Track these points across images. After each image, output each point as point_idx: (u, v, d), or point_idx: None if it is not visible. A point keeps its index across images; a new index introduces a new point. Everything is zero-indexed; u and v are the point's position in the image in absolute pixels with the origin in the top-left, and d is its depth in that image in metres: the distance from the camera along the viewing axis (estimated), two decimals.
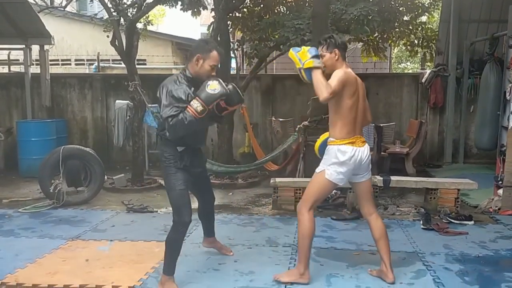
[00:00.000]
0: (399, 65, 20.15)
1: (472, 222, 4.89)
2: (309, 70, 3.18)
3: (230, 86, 3.29)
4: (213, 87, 3.11)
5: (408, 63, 19.76)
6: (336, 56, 3.30)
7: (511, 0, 7.30)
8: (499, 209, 5.36)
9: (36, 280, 3.43)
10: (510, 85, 5.34)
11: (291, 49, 3.35)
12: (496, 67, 6.99)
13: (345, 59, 3.39)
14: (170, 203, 3.39)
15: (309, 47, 3.30)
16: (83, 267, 3.72)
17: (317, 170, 3.39)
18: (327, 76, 3.27)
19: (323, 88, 3.10)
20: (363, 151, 3.33)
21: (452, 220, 4.90)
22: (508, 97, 5.38)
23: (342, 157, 3.25)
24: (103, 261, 3.84)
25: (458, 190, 5.30)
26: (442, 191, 5.31)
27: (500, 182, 5.46)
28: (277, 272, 3.56)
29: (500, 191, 5.45)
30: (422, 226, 4.74)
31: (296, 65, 3.25)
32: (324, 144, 3.44)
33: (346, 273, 3.58)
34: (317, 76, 3.15)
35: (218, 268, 3.69)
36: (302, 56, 3.22)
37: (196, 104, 3.07)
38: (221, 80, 3.18)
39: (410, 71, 17.34)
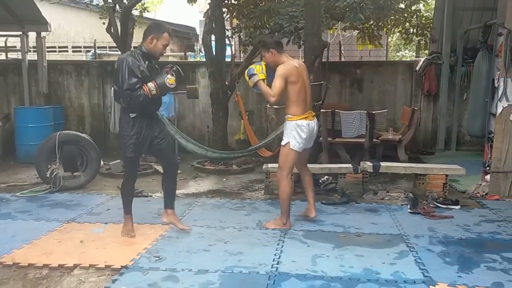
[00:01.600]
0: (398, 53, 20.14)
1: (459, 207, 5.02)
2: (254, 86, 4.12)
3: (175, 68, 3.92)
4: (171, 82, 3.83)
5: (407, 51, 19.76)
6: (273, 54, 4.09)
7: None
8: (486, 194, 5.48)
9: (32, 260, 3.55)
10: (498, 72, 5.42)
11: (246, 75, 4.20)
12: (489, 55, 7.05)
13: (283, 52, 4.15)
14: (123, 165, 4.32)
15: (248, 69, 4.16)
16: (77, 247, 3.85)
17: (282, 143, 4.21)
18: (274, 68, 4.10)
19: (267, 95, 4.02)
20: (313, 124, 4.23)
21: (439, 205, 5.02)
22: (496, 85, 5.46)
23: (300, 130, 4.10)
24: (97, 242, 3.96)
25: (446, 175, 5.41)
26: (431, 177, 5.43)
27: (488, 168, 5.57)
28: (265, 252, 3.70)
29: (488, 177, 5.56)
30: (409, 210, 4.87)
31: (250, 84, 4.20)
32: (251, 70, 4.13)
33: (332, 253, 3.70)
34: (261, 87, 4.07)
35: (208, 249, 3.81)
36: (247, 78, 4.17)
37: (152, 87, 3.78)
38: (178, 75, 3.87)
39: (408, 59, 17.36)
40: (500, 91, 5.36)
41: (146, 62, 3.84)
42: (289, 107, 4.14)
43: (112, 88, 4.09)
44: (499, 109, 5.37)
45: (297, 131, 4.09)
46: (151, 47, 3.83)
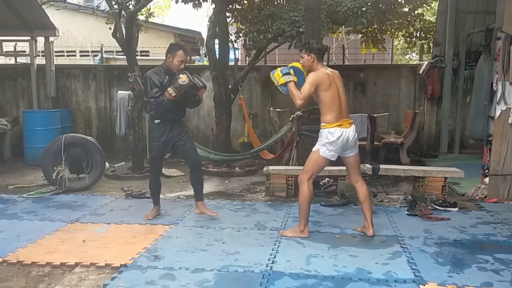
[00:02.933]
0: (405, 56, 20.13)
1: (457, 209, 5.05)
2: (283, 85, 4.12)
3: (195, 78, 4.57)
4: (183, 79, 4.38)
5: (414, 54, 19.74)
6: (312, 59, 4.11)
7: None
8: (485, 196, 5.51)
9: (35, 258, 3.68)
10: (496, 76, 5.45)
11: (270, 73, 4.26)
12: (490, 58, 7.06)
13: (321, 61, 4.18)
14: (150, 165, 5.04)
15: (281, 68, 4.20)
16: (79, 247, 3.97)
17: (314, 148, 4.17)
18: (307, 72, 4.18)
19: (295, 98, 4.03)
20: (350, 131, 4.11)
21: (437, 207, 5.07)
22: (494, 88, 5.49)
23: (332, 137, 4.04)
24: (98, 242, 4.08)
25: (445, 178, 5.45)
26: (430, 179, 5.47)
27: (487, 170, 5.60)
28: (261, 252, 3.79)
29: (487, 180, 5.59)
30: (406, 212, 4.92)
31: (274, 84, 4.23)
32: (285, 69, 4.16)
33: (326, 254, 3.77)
34: (290, 88, 4.08)
35: (206, 248, 3.91)
36: (276, 76, 4.15)
37: (170, 91, 4.39)
38: (189, 74, 4.43)
39: (414, 62, 17.35)
40: (498, 95, 5.39)
41: (167, 77, 4.49)
42: (323, 115, 4.09)
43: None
44: (498, 112, 5.40)
45: (328, 139, 4.03)
46: (169, 64, 4.49)
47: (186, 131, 4.81)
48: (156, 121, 4.57)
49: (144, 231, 4.37)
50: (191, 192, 6.01)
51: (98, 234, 4.31)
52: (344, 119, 4.10)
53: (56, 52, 9.98)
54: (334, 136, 4.02)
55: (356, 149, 4.21)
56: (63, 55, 11.66)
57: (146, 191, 5.83)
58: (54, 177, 5.89)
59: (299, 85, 4.16)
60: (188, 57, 4.82)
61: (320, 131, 4.14)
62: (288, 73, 4.11)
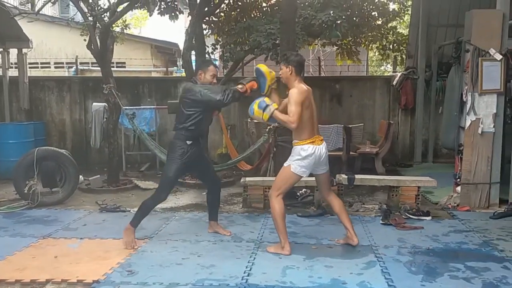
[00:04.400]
0: (380, 68, 20.53)
1: (430, 218, 5.15)
2: (270, 119, 4.05)
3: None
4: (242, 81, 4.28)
5: (389, 66, 20.13)
6: (290, 71, 4.05)
7: (477, 6, 7.65)
8: (457, 205, 5.63)
9: (4, 276, 3.57)
10: (466, 87, 5.61)
11: (249, 112, 4.15)
12: (461, 70, 7.25)
13: (300, 74, 4.09)
14: (160, 180, 4.54)
15: (258, 102, 4.04)
16: (51, 263, 3.88)
17: (285, 164, 4.13)
18: (284, 85, 4.15)
19: (287, 123, 3.93)
20: (322, 148, 4.10)
21: (411, 216, 5.15)
22: (464, 99, 5.64)
23: (304, 153, 4.00)
24: (71, 257, 3.99)
25: (418, 187, 5.55)
26: (403, 189, 5.55)
27: (459, 179, 5.72)
28: (237, 265, 3.78)
29: (459, 188, 5.71)
30: (381, 222, 4.98)
31: (260, 121, 4.32)
32: (262, 103, 4.05)
33: (302, 265, 3.79)
34: (277, 116, 3.97)
35: (181, 262, 3.87)
36: (257, 114, 4.05)
37: (240, 86, 4.19)
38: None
39: (389, 74, 17.68)
40: (468, 105, 5.54)
41: None
42: (296, 132, 4.04)
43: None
44: (468, 123, 5.54)
45: (300, 155, 3.99)
46: (202, 80, 4.37)
47: (204, 151, 4.70)
48: (189, 142, 4.26)
49: (118, 245, 4.29)
50: (167, 205, 5.97)
51: (71, 249, 4.22)
52: (316, 136, 4.09)
53: (29, 63, 9.83)
54: (307, 152, 3.99)
55: (327, 167, 4.22)
56: (37, 67, 11.48)
57: (121, 205, 5.79)
58: (26, 191, 5.76)
59: (261, 89, 4.14)
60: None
61: (293, 148, 4.10)
62: (266, 105, 3.98)
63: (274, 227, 4.16)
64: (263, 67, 4.16)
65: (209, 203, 4.79)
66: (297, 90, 3.96)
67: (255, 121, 8.16)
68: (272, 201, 4.08)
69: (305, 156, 3.98)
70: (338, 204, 4.26)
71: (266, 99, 4.05)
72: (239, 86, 4.19)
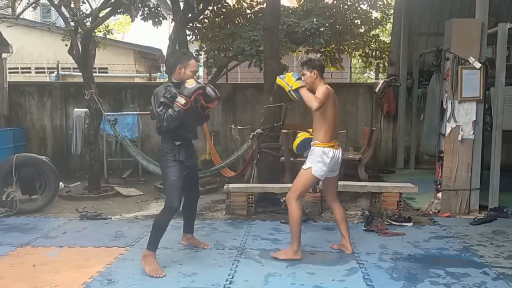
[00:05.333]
0: (364, 75, 20.76)
1: (411, 224, 5.19)
2: (297, 90, 3.94)
3: (207, 87, 4.00)
4: (191, 83, 3.80)
5: (372, 73, 20.37)
6: (315, 75, 4.03)
7: (457, 15, 7.80)
8: (438, 211, 5.69)
9: None
10: (446, 94, 5.70)
11: (278, 77, 4.15)
12: (441, 77, 7.37)
13: (323, 79, 4.09)
14: (164, 191, 4.05)
15: (292, 73, 4.07)
16: (29, 272, 3.79)
17: (304, 167, 4.06)
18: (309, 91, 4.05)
19: (313, 100, 3.84)
20: (339, 153, 4.13)
21: (393, 222, 5.19)
22: (444, 106, 5.73)
23: (325, 157, 3.99)
24: (50, 266, 3.91)
25: (400, 194, 5.59)
26: (385, 195, 5.59)
27: (439, 186, 5.79)
28: (219, 273, 3.75)
29: (440, 195, 5.78)
30: (363, 228, 5.00)
31: (286, 88, 4.03)
32: (303, 144, 4.21)
33: (285, 272, 3.77)
34: (305, 92, 3.92)
35: (162, 270, 3.81)
36: (288, 80, 3.99)
37: (179, 99, 3.75)
38: (196, 78, 3.90)
39: (372, 81, 17.89)
40: (448, 113, 5.62)
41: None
42: (319, 132, 4.01)
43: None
44: (448, 130, 5.62)
45: (322, 158, 3.97)
46: (181, 77, 3.87)
47: (197, 158, 4.37)
48: (177, 143, 3.89)
49: (98, 254, 4.23)
50: (149, 212, 5.92)
51: (50, 258, 4.14)
52: (335, 141, 4.10)
53: (9, 68, 9.67)
54: (329, 157, 3.97)
55: (338, 170, 4.24)
56: (18, 72, 11.30)
57: (102, 212, 5.70)
58: (4, 198, 5.65)
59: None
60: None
61: (312, 148, 4.04)
62: (300, 77, 3.99)
63: (290, 235, 4.13)
64: (278, 81, 4.10)
65: (186, 214, 4.41)
66: (326, 87, 3.98)
67: (239, 127, 8.20)
68: (291, 205, 4.03)
69: (327, 160, 3.97)
70: (340, 212, 4.28)
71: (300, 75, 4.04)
72: (182, 101, 3.73)
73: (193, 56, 4.04)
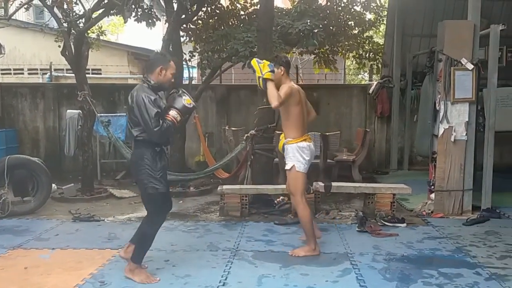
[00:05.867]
0: (358, 76, 20.82)
1: (405, 225, 5.20)
2: (265, 80, 3.98)
3: (180, 91, 3.78)
4: (189, 102, 3.68)
5: (366, 74, 20.42)
6: (282, 72, 4.17)
7: (450, 17, 7.84)
8: (431, 212, 5.71)
9: None
10: (439, 95, 5.72)
11: (254, 59, 4.17)
12: (434, 79, 7.41)
13: (288, 76, 4.25)
14: (149, 202, 3.76)
15: (269, 63, 4.07)
16: (21, 274, 3.76)
17: (287, 167, 4.20)
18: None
19: (274, 98, 3.94)
20: (312, 145, 4.30)
21: (386, 223, 5.20)
22: (437, 107, 5.75)
23: (302, 151, 4.15)
24: (41, 269, 3.88)
25: (394, 194, 5.60)
26: (379, 196, 5.60)
27: (433, 187, 5.81)
28: (212, 274, 3.74)
29: (433, 195, 5.80)
30: (357, 229, 5.01)
31: (257, 73, 4.04)
32: (272, 66, 4.12)
33: (278, 273, 3.77)
34: (271, 87, 3.98)
35: (155, 272, 3.79)
36: (263, 67, 4.01)
37: (175, 114, 3.62)
38: (188, 94, 3.75)
39: (366, 82, 17.94)
40: (441, 114, 5.64)
41: (157, 95, 3.67)
42: (290, 130, 4.19)
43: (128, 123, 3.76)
44: (441, 131, 5.64)
45: (300, 153, 4.13)
46: (161, 78, 3.65)
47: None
48: (158, 149, 3.66)
49: (91, 256, 4.21)
50: (142, 214, 5.83)
51: (42, 260, 4.11)
52: (307, 134, 4.27)
53: (2, 70, 9.62)
54: (304, 151, 4.14)
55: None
56: (10, 73, 11.22)
57: (95, 214, 5.67)
58: None
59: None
60: None
61: (286, 147, 4.19)
62: (273, 70, 4.02)
63: (304, 235, 4.29)
64: (253, 62, 4.09)
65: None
66: (289, 85, 4.11)
67: (233, 129, 8.18)
68: (299, 206, 4.17)
69: (303, 154, 4.13)
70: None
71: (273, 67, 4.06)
72: (178, 118, 3.63)
73: (172, 58, 3.94)
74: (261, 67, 4.01)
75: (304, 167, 4.15)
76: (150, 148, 3.63)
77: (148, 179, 3.59)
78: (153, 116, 3.48)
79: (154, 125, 3.48)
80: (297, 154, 4.13)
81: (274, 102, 3.94)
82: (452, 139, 5.59)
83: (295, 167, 4.13)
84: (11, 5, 7.10)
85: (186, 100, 3.67)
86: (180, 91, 3.76)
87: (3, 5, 7.00)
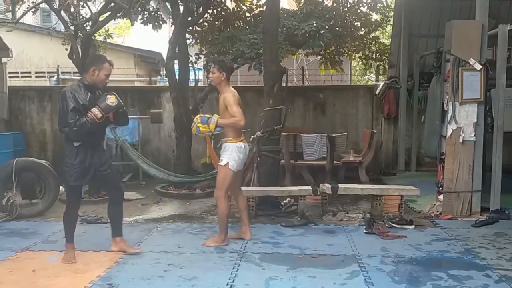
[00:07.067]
0: (364, 77, 20.74)
1: (413, 226, 5.16)
2: (216, 128, 4.36)
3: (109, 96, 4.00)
4: (112, 100, 3.97)
5: (372, 75, 20.34)
6: (223, 77, 4.44)
7: (457, 17, 7.79)
8: (440, 213, 5.66)
9: None
10: (447, 96, 5.68)
11: (195, 133, 4.56)
12: (442, 79, 7.36)
13: (229, 81, 4.52)
14: (66, 194, 4.36)
15: (200, 120, 4.42)
16: (29, 277, 3.78)
17: (222, 163, 4.46)
18: (214, 87, 4.85)
19: (235, 123, 4.33)
20: (247, 146, 4.69)
21: (394, 225, 5.16)
22: (445, 108, 5.71)
23: (239, 151, 4.45)
24: (49, 271, 3.89)
25: (401, 196, 5.57)
26: (387, 198, 5.58)
27: (441, 188, 5.76)
28: (219, 276, 3.73)
29: (441, 197, 5.75)
30: (364, 231, 4.98)
31: (208, 136, 4.62)
32: (204, 119, 4.44)
33: (285, 276, 3.75)
34: (223, 122, 4.37)
35: (163, 275, 3.80)
36: (204, 129, 4.40)
37: (96, 112, 3.90)
38: (117, 95, 4.03)
39: (372, 83, 17.87)
40: (449, 114, 5.60)
41: (89, 94, 3.99)
42: (230, 131, 4.47)
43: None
44: (449, 132, 5.60)
45: (236, 153, 4.43)
46: (94, 78, 4.00)
47: (108, 158, 4.39)
48: (76, 144, 3.95)
49: (98, 258, 4.21)
50: (150, 215, 5.91)
51: (50, 262, 4.12)
52: (242, 135, 4.60)
53: (9, 73, 9.66)
54: (241, 151, 4.46)
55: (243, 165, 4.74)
56: (18, 76, 11.30)
57: (102, 216, 5.67)
58: (4, 203, 5.62)
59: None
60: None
61: (225, 145, 4.48)
62: (208, 117, 4.39)
63: (219, 227, 4.60)
64: (201, 135, 4.61)
65: (111, 216, 4.39)
66: (231, 93, 4.43)
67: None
68: (220, 202, 4.48)
69: (239, 154, 4.44)
70: (243, 202, 4.83)
71: (206, 114, 4.48)
72: (98, 116, 3.89)
73: (107, 60, 4.11)
74: (204, 130, 4.40)
75: (237, 166, 4.44)
76: (70, 142, 3.98)
77: (65, 170, 4.03)
78: (69, 110, 3.83)
79: (69, 118, 3.83)
80: (234, 153, 4.41)
81: (239, 122, 4.30)
82: (461, 140, 5.54)
83: (229, 164, 4.39)
84: (18, 8, 7.15)
85: (109, 99, 3.94)
86: (109, 92, 4.03)
87: (10, 9, 7.06)
